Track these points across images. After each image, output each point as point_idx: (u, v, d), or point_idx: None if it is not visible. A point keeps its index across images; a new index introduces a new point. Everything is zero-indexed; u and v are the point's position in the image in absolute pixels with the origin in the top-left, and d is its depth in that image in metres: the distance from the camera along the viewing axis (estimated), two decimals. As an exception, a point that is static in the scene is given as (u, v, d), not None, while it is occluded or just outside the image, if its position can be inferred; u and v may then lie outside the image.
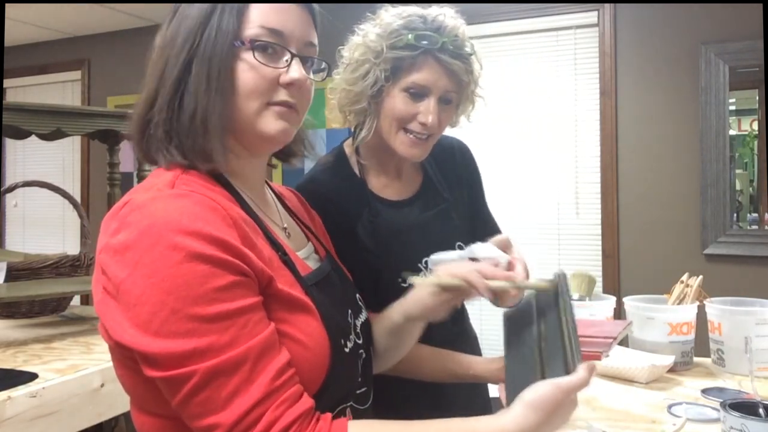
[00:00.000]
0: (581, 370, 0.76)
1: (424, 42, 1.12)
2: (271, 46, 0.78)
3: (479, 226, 1.36)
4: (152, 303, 0.65)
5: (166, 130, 0.77)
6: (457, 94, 1.18)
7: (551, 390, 0.74)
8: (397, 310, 0.97)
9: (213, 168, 0.78)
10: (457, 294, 0.91)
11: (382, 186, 1.28)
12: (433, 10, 1.16)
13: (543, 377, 0.79)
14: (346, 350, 0.82)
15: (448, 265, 0.92)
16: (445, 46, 1.12)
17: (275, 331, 0.71)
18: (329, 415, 0.73)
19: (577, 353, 0.79)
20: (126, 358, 0.72)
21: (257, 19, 0.78)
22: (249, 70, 0.77)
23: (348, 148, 1.29)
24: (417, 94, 1.14)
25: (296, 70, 0.79)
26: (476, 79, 1.20)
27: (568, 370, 0.76)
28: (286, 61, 0.79)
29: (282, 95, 0.79)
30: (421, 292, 0.93)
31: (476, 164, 1.41)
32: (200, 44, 0.76)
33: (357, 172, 1.27)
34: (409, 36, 1.12)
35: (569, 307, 0.82)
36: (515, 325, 0.94)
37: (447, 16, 1.15)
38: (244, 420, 0.65)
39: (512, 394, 0.79)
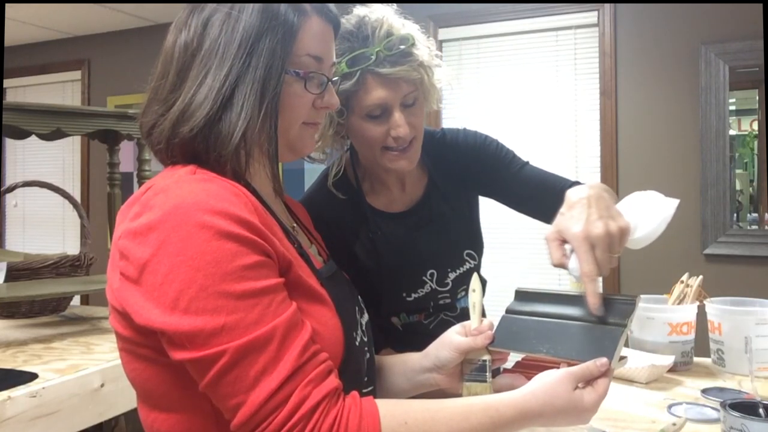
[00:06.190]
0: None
1: (358, 65, 1.04)
2: (317, 76, 0.82)
3: (539, 190, 1.28)
4: (180, 280, 0.65)
5: (196, 139, 0.76)
6: (417, 90, 1.10)
7: (564, 376, 0.79)
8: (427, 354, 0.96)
9: (230, 169, 0.78)
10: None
11: (387, 201, 1.24)
12: (360, 12, 1.08)
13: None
14: (357, 344, 0.85)
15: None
16: (380, 56, 1.04)
17: (297, 310, 0.72)
18: (356, 393, 0.73)
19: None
20: (143, 348, 0.72)
21: (304, 47, 0.80)
22: (296, 96, 0.81)
23: (346, 160, 1.24)
24: (377, 115, 1.08)
25: (334, 96, 0.86)
26: (428, 67, 1.10)
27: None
28: (322, 85, 0.84)
29: (316, 116, 0.85)
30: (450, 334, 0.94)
31: (482, 140, 1.29)
32: (249, 66, 0.76)
33: (355, 184, 1.22)
34: (342, 65, 1.04)
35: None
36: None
37: (371, 16, 1.07)
38: (273, 399, 0.65)
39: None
